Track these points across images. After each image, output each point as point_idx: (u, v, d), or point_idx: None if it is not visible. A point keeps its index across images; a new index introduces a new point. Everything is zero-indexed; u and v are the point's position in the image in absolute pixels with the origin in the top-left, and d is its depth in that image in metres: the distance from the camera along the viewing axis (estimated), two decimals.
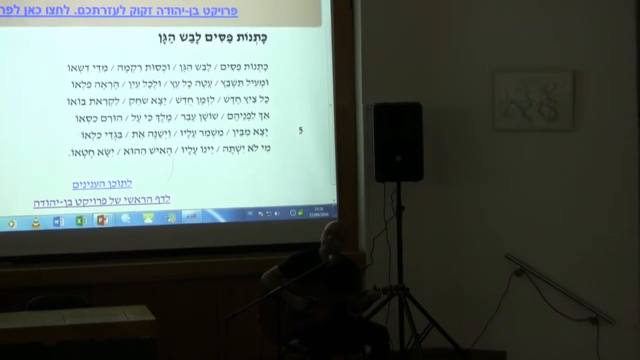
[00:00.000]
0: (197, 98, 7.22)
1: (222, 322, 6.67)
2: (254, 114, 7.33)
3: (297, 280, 6.15)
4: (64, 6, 6.99)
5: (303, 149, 7.40)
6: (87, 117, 7.04)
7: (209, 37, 7.24)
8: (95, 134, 7.05)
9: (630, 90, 7.15)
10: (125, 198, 7.10)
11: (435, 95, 7.37)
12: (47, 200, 6.97)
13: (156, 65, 7.16)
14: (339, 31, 7.48)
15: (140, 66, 7.13)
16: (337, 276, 6.37)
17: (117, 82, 7.09)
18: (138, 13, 7.12)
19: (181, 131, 7.19)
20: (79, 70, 7.03)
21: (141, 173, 7.13)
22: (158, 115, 7.16)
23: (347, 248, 6.76)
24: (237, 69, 7.30)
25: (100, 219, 7.08)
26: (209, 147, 7.24)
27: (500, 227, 7.34)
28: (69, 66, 7.02)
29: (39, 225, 6.97)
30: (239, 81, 7.30)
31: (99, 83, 7.06)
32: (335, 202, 7.45)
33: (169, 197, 7.18)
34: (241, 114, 7.31)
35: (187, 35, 7.20)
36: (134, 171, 7.12)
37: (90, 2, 7.02)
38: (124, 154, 7.10)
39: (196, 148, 7.22)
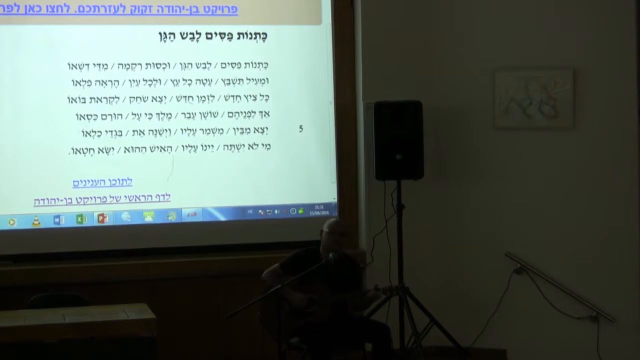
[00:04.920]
0: (198, 96, 7.22)
1: (222, 320, 6.68)
2: (254, 112, 7.33)
3: (298, 278, 6.14)
4: (64, 4, 6.99)
5: (303, 147, 7.40)
6: (87, 115, 7.04)
7: (209, 36, 7.24)
8: (95, 132, 7.05)
9: (631, 89, 7.15)
10: (125, 196, 7.10)
11: (435, 93, 7.37)
12: (47, 199, 6.97)
13: (156, 64, 7.16)
14: (339, 29, 7.48)
15: (140, 64, 7.13)
16: (338, 274, 6.37)
17: (118, 81, 7.09)
18: (138, 11, 7.12)
19: (181, 129, 7.20)
20: (79, 68, 7.03)
21: (141, 171, 7.13)
22: (158, 114, 7.17)
23: (347, 246, 6.75)
24: (238, 67, 7.30)
25: (101, 217, 7.08)
26: (209, 146, 7.24)
27: (501, 225, 7.34)
28: (69, 64, 7.02)
29: (39, 223, 6.98)
30: (239, 79, 7.30)
31: (99, 81, 7.06)
32: (336, 200, 7.46)
33: (169, 195, 7.18)
34: (241, 112, 7.31)
35: (187, 33, 7.20)
36: (135, 169, 7.12)
37: (91, 0, 7.02)
38: (125, 152, 7.10)
39: (196, 146, 7.22)
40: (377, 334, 6.34)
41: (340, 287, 6.36)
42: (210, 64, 7.25)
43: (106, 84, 7.08)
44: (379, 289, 6.33)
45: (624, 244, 7.18)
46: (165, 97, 7.17)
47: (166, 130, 7.17)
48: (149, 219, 7.16)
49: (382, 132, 7.11)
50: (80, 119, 7.04)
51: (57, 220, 7.01)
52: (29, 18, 6.93)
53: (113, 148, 7.08)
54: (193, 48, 7.22)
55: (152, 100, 7.15)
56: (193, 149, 7.22)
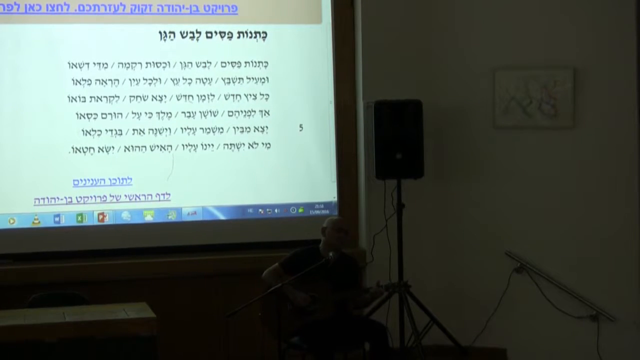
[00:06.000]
0: (198, 95, 7.22)
1: (222, 320, 6.68)
2: (254, 111, 7.33)
3: (299, 277, 6.15)
4: (64, 3, 6.99)
5: (303, 146, 7.40)
6: (87, 114, 7.04)
7: (209, 35, 7.24)
8: (95, 131, 7.05)
9: (631, 88, 7.15)
10: (125, 195, 7.10)
11: (435, 92, 7.37)
12: (47, 198, 6.97)
13: (156, 63, 7.16)
14: (339, 29, 7.48)
15: (140, 63, 7.13)
16: (338, 273, 6.37)
17: (118, 80, 7.09)
18: (138, 10, 7.12)
19: (181, 128, 7.19)
20: (79, 67, 7.03)
21: (141, 170, 7.14)
22: (158, 113, 7.16)
23: (347, 245, 6.75)
24: (238, 67, 7.30)
25: (101, 217, 7.08)
26: (209, 145, 7.24)
27: (501, 224, 7.34)
28: (69, 63, 7.02)
29: (39, 222, 6.98)
30: (239, 78, 7.30)
31: (99, 80, 7.06)
32: (336, 199, 7.46)
33: (169, 194, 7.18)
34: (241, 112, 7.31)
35: (187, 32, 7.20)
36: (135, 168, 7.12)
37: None
38: (125, 151, 7.10)
39: (196, 145, 7.22)
40: (374, 334, 6.34)
41: (340, 286, 6.36)
42: (210, 63, 7.25)
43: (106, 83, 7.07)
44: (381, 286, 6.34)
45: (624, 242, 7.18)
46: (165, 96, 7.17)
47: (166, 129, 7.17)
48: (149, 218, 7.16)
49: (382, 131, 7.10)
50: (80, 118, 7.04)
51: (57, 219, 7.01)
52: (29, 17, 6.93)
53: (113, 147, 7.08)
54: (193, 47, 7.21)
55: (152, 99, 7.15)
56: (193, 148, 7.21)
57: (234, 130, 7.28)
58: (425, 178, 7.17)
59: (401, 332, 7.01)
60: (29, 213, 6.96)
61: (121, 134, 7.10)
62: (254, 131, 7.32)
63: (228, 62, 7.28)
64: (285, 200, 7.37)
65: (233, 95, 7.29)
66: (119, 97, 7.10)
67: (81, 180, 7.03)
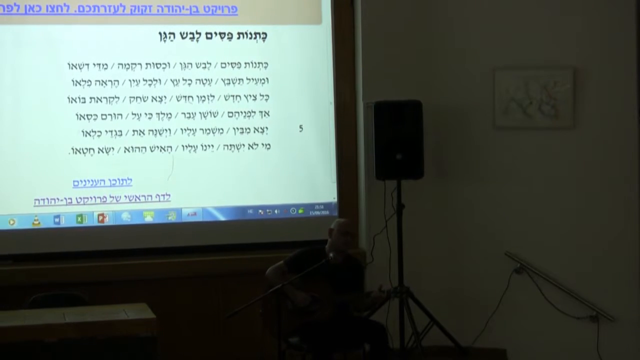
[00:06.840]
0: (198, 96, 7.23)
1: (222, 320, 6.68)
2: (254, 112, 7.33)
3: (301, 276, 6.15)
4: (64, 4, 6.99)
5: (303, 147, 7.40)
6: (87, 115, 7.04)
7: (209, 35, 7.24)
8: (95, 132, 7.05)
9: (631, 88, 7.15)
10: (125, 196, 7.10)
11: (435, 93, 7.37)
12: (47, 198, 6.97)
13: (156, 64, 7.16)
14: (339, 29, 7.48)
15: (140, 64, 7.14)
16: (342, 274, 6.37)
17: (118, 80, 7.09)
18: (138, 11, 7.12)
19: (181, 129, 7.20)
20: (79, 68, 7.03)
21: (141, 171, 7.13)
22: (158, 114, 7.17)
23: (352, 247, 6.75)
24: (238, 67, 7.30)
25: (101, 217, 7.08)
26: (209, 145, 7.24)
27: (501, 224, 7.34)
28: (69, 64, 7.02)
29: (39, 223, 6.98)
30: (239, 79, 7.30)
31: (99, 81, 7.06)
32: (336, 200, 7.45)
33: (169, 195, 7.18)
34: (241, 112, 7.31)
35: (187, 33, 7.20)
36: (135, 169, 7.12)
37: (91, 0, 7.02)
38: (124, 152, 7.10)
39: (196, 146, 7.22)
40: (373, 335, 6.34)
41: (343, 288, 6.35)
42: (210, 63, 7.25)
43: (106, 84, 7.08)
44: (383, 291, 6.30)
45: (624, 243, 7.18)
46: (165, 97, 7.17)
47: (166, 130, 7.17)
48: (149, 219, 7.16)
49: (382, 131, 7.10)
50: (80, 119, 7.04)
51: (57, 220, 7.01)
52: (29, 18, 6.94)
53: (113, 148, 7.08)
54: (193, 48, 7.22)
55: (152, 100, 7.15)
56: (193, 148, 7.22)
57: (234, 131, 7.28)
58: (425, 178, 7.17)
59: (401, 333, 7.01)
60: (29, 214, 6.96)
61: (121, 135, 7.10)
62: (254, 132, 7.32)
63: (228, 63, 7.28)
64: (285, 201, 7.37)
65: (233, 96, 7.29)
66: (118, 98, 7.10)
67: (81, 181, 7.03)
